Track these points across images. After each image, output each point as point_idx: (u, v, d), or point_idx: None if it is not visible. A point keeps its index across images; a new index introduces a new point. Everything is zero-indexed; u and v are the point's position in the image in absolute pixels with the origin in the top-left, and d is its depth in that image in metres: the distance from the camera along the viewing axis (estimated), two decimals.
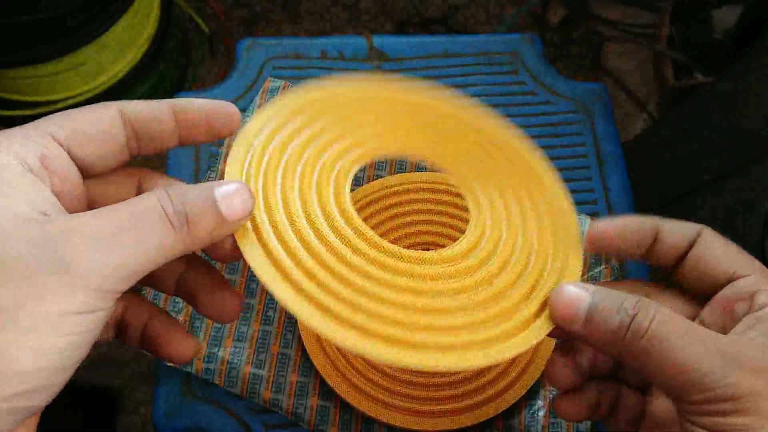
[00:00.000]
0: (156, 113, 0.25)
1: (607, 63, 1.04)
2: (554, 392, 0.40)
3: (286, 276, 0.25)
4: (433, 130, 0.33)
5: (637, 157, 0.71)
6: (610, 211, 0.47)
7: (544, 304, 0.27)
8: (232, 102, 0.49)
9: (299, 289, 0.25)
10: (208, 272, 0.27)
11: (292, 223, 0.27)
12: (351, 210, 0.28)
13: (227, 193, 0.24)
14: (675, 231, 0.27)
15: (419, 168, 0.47)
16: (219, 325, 0.41)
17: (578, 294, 0.25)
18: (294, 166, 0.29)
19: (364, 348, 0.24)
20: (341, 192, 0.29)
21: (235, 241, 0.25)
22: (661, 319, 0.23)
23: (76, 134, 0.24)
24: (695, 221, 0.27)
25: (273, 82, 0.49)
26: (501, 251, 0.28)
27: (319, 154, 0.30)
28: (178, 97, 0.49)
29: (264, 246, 0.26)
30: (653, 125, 0.94)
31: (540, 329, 0.26)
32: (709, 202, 0.58)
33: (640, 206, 0.55)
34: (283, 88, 0.48)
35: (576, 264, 0.28)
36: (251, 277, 0.42)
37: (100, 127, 0.24)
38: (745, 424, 0.22)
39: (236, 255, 0.26)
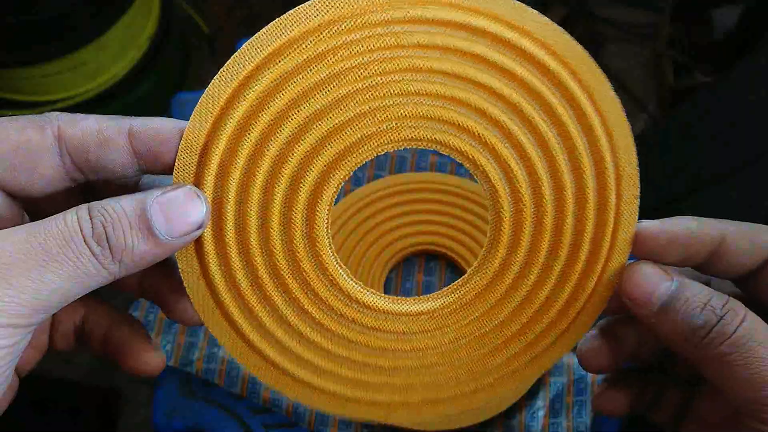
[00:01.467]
0: (104, 138, 0.21)
1: (607, 63, 1.03)
2: (554, 392, 0.40)
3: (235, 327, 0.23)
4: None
5: (638, 157, 0.71)
6: None
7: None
8: None
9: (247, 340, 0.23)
10: (170, 275, 0.24)
11: (248, 262, 0.22)
12: (326, 250, 0.22)
13: (167, 203, 0.20)
14: (744, 243, 0.23)
15: (419, 168, 0.47)
16: None
17: (657, 277, 0.22)
18: (260, 168, 0.22)
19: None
20: (318, 226, 0.22)
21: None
22: (749, 327, 0.21)
23: None
24: None
25: None
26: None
27: (292, 151, 0.22)
28: (178, 97, 0.49)
29: (213, 293, 0.22)
30: (653, 125, 0.94)
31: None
32: (709, 202, 0.58)
33: (640, 206, 0.55)
34: None
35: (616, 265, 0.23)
36: None
37: (26, 156, 0.21)
38: None
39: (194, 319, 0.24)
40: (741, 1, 0.89)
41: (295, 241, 0.22)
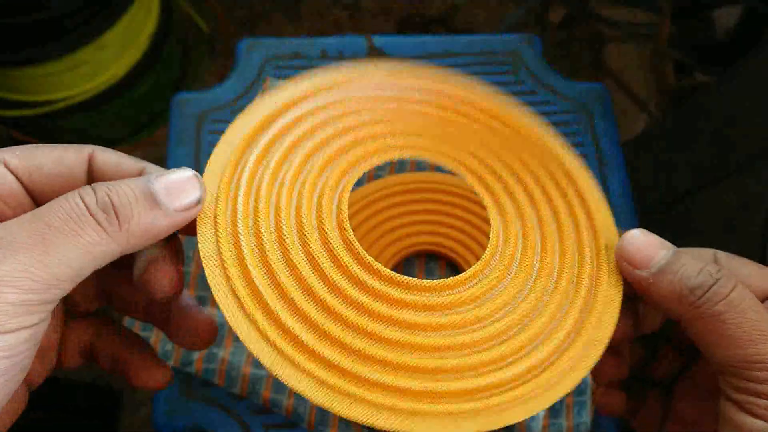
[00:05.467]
0: (123, 171, 0.23)
1: (607, 63, 1.03)
2: None
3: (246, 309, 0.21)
4: (444, 122, 0.29)
5: (637, 157, 0.71)
6: (611, 210, 0.46)
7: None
8: (231, 102, 0.49)
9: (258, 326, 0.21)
10: (175, 302, 0.26)
11: (281, 242, 0.23)
12: (349, 231, 0.23)
13: (168, 181, 0.21)
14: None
15: (419, 168, 0.47)
16: (219, 325, 0.41)
17: (656, 243, 0.24)
18: (284, 163, 0.25)
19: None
20: (342, 207, 0.24)
21: (174, 276, 0.22)
22: (741, 290, 0.23)
23: (30, 167, 0.22)
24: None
25: (273, 81, 0.49)
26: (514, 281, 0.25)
27: (314, 153, 0.26)
28: (178, 96, 0.49)
29: (231, 274, 0.22)
30: (653, 125, 0.94)
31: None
32: (709, 202, 0.58)
33: (641, 206, 0.56)
34: None
35: (614, 292, 0.25)
36: None
37: (60, 167, 0.22)
38: None
39: (174, 289, 0.23)
40: (741, 1, 0.89)
41: (327, 230, 0.23)
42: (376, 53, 0.52)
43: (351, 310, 0.22)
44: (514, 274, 0.25)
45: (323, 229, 0.23)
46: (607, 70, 1.04)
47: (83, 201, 0.20)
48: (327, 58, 0.52)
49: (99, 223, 0.20)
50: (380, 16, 1.17)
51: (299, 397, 0.39)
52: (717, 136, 0.61)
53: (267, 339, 0.21)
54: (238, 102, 0.49)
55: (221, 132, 0.26)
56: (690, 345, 0.27)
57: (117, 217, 0.20)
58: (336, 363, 0.21)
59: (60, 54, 0.79)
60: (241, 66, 0.51)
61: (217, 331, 0.26)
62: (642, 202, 0.64)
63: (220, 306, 0.21)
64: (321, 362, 0.21)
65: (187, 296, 0.26)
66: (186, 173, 0.22)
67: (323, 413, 0.39)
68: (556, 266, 0.25)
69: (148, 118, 0.97)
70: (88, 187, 0.20)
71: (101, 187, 0.20)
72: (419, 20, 1.17)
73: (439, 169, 0.46)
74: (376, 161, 0.26)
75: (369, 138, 0.26)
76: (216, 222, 0.23)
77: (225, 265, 0.22)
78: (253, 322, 0.21)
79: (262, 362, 0.21)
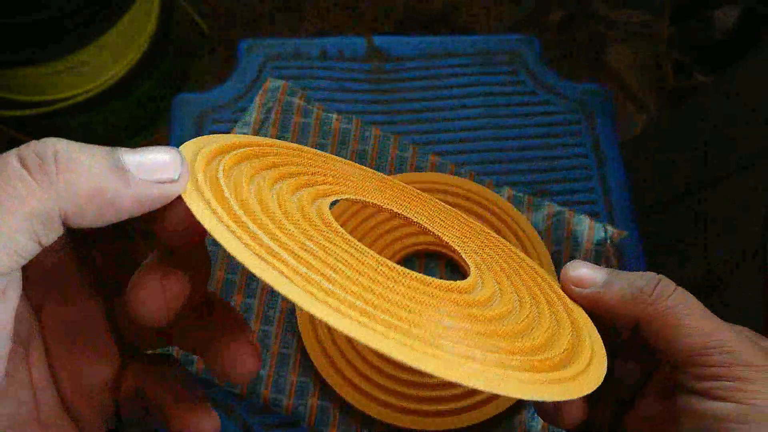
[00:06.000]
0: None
1: (607, 63, 1.04)
2: None
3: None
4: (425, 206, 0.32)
5: (637, 157, 0.71)
6: (610, 211, 0.47)
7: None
8: (231, 102, 0.49)
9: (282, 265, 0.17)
10: (221, 318, 0.22)
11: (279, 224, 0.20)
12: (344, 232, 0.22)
13: (142, 150, 0.18)
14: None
15: (419, 168, 0.47)
16: None
17: (593, 266, 0.26)
18: (251, 183, 0.21)
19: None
20: (324, 212, 0.23)
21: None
22: (683, 291, 0.24)
23: None
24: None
25: (273, 82, 0.49)
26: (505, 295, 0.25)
27: (280, 180, 0.23)
28: (179, 98, 0.49)
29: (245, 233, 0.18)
30: (653, 125, 0.95)
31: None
32: (709, 202, 0.58)
33: (640, 206, 0.56)
34: (283, 88, 0.48)
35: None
36: (251, 276, 0.42)
37: None
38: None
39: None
40: (740, 1, 0.90)
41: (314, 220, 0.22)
42: (376, 53, 0.52)
43: (390, 284, 0.19)
44: (499, 292, 0.24)
45: (320, 230, 0.21)
46: (607, 70, 1.04)
47: (18, 154, 0.16)
48: (327, 58, 0.52)
49: (29, 171, 0.16)
50: (380, 16, 1.17)
51: (299, 397, 0.39)
52: (716, 136, 0.61)
53: (326, 303, 0.17)
54: (238, 102, 0.49)
55: (222, 132, 0.26)
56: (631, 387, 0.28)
57: (55, 165, 0.16)
58: (394, 324, 0.18)
59: (60, 54, 0.79)
60: (242, 66, 0.51)
61: (261, 362, 0.22)
62: (641, 202, 0.64)
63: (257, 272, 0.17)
64: (384, 323, 0.18)
65: (234, 313, 0.22)
66: (169, 150, 0.18)
67: (323, 413, 0.39)
68: (527, 288, 0.27)
69: (148, 118, 0.97)
70: (33, 141, 0.17)
71: (46, 140, 0.17)
72: (419, 20, 1.17)
73: (438, 168, 0.46)
74: (343, 196, 0.26)
75: (332, 182, 0.27)
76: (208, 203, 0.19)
77: (238, 235, 0.18)
78: (298, 285, 0.17)
79: (336, 327, 0.16)
